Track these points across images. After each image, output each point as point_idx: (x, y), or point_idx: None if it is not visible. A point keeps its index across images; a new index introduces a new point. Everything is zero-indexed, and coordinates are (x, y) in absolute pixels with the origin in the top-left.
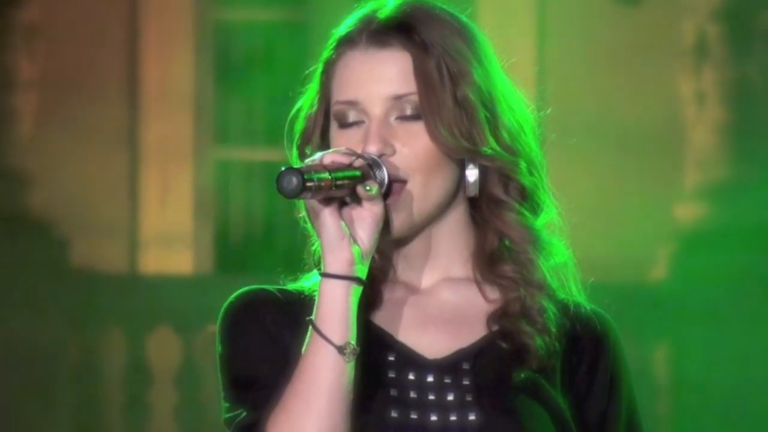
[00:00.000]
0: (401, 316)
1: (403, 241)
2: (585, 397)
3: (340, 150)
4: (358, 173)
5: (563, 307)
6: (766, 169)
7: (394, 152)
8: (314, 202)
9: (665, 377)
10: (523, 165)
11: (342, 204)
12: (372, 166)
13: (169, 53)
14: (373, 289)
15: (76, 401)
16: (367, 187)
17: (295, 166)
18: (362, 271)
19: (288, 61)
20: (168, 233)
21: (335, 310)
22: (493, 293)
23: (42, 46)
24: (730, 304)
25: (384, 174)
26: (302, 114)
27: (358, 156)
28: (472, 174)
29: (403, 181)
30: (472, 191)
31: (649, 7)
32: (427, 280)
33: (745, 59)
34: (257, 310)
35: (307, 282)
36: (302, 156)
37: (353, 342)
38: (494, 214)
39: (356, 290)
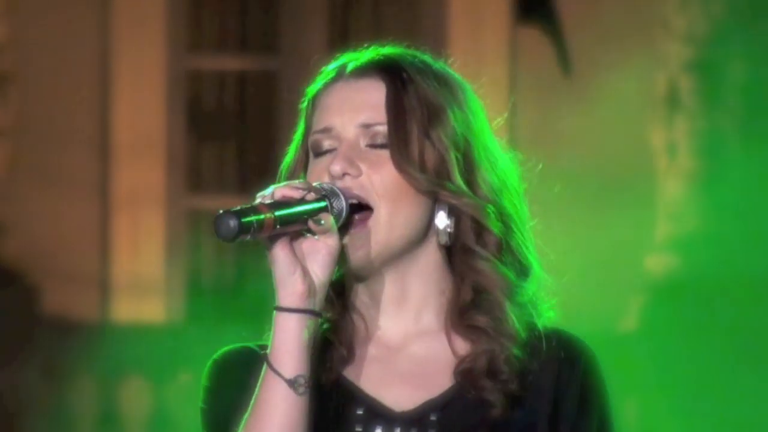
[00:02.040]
0: (372, 371)
1: (373, 282)
2: (562, 417)
3: (293, 183)
4: (310, 207)
5: (534, 347)
6: (737, 220)
7: (359, 174)
8: (263, 239)
9: (634, 429)
10: (491, 210)
11: (298, 236)
12: (329, 196)
13: (140, 102)
14: (346, 345)
15: None
16: (322, 221)
17: (234, 209)
18: (317, 304)
19: (259, 111)
20: (139, 281)
21: (287, 343)
22: (463, 344)
23: (14, 94)
24: (701, 356)
25: (342, 203)
26: (289, 153)
27: (311, 189)
28: (441, 221)
29: (369, 210)
30: (443, 239)
31: (620, 57)
32: (398, 332)
33: (716, 110)
34: (239, 368)
35: None
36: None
37: (305, 375)
38: (466, 264)
39: (311, 323)
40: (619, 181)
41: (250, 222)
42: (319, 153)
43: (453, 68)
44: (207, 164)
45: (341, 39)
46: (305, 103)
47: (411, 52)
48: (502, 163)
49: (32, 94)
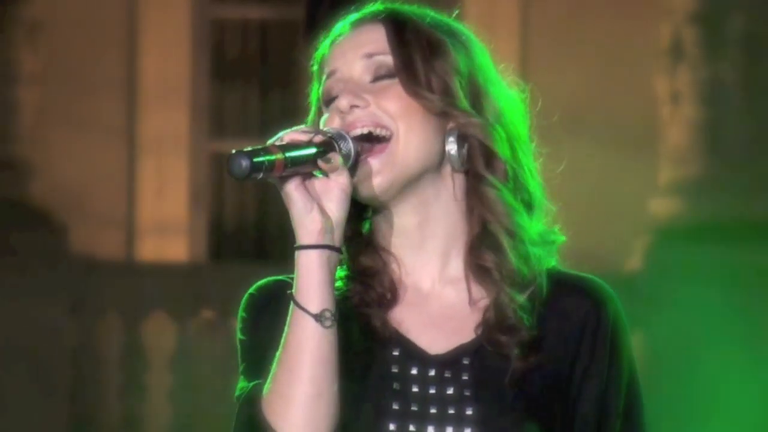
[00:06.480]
0: (404, 314)
1: (396, 215)
2: (592, 363)
3: (301, 127)
4: (318, 148)
5: (551, 290)
6: (737, 166)
7: (367, 104)
8: (276, 180)
9: (639, 367)
10: (501, 132)
11: (310, 177)
12: (336, 139)
13: (167, 50)
14: (382, 289)
15: (74, 384)
16: (330, 160)
17: (246, 149)
18: (335, 240)
19: (281, 58)
20: (164, 222)
21: (310, 279)
22: (479, 290)
23: (44, 41)
24: (703, 296)
25: (349, 145)
26: (309, 115)
27: (318, 132)
28: (451, 146)
29: (388, 132)
30: (455, 164)
31: (627, 9)
32: (427, 277)
33: (718, 61)
34: (275, 301)
35: None
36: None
37: (330, 309)
38: (476, 192)
39: (332, 258)
40: (624, 128)
41: (261, 162)
42: (330, 100)
43: (463, 18)
44: (230, 110)
45: None
46: (315, 67)
47: (410, 6)
48: (506, 94)
49: (61, 42)
